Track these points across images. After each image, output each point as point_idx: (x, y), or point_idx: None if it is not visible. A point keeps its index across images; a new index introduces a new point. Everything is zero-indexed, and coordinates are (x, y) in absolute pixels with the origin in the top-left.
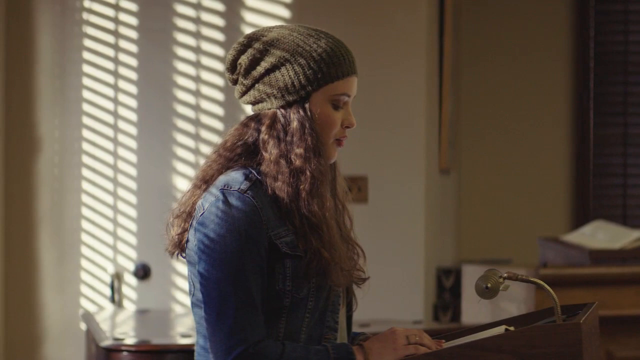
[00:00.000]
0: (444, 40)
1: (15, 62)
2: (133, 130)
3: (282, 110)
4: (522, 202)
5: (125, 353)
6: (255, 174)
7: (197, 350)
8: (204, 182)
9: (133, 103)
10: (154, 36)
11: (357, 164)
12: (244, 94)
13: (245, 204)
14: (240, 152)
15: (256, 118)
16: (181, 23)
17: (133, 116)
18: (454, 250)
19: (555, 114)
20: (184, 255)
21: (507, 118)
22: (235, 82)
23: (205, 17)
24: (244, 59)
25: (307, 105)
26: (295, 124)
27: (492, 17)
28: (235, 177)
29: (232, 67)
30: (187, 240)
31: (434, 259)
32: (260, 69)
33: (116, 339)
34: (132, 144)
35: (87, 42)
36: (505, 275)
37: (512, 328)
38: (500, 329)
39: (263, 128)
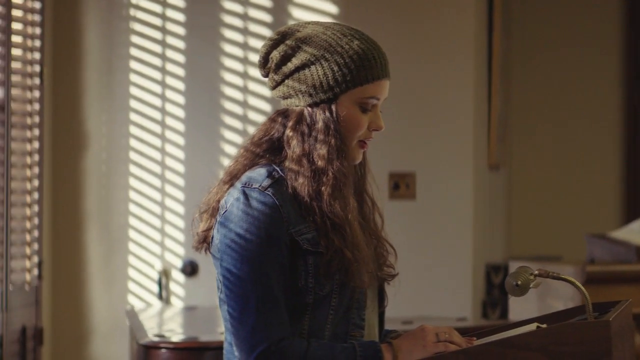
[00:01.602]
0: (493, 36)
1: (62, 58)
2: (180, 126)
3: (309, 109)
4: (573, 199)
5: (164, 350)
6: (279, 171)
7: (225, 347)
8: (231, 178)
9: (180, 99)
10: (201, 32)
11: (405, 161)
12: (274, 88)
13: (266, 201)
14: (266, 148)
15: (284, 113)
16: (228, 19)
17: (180, 112)
18: (504, 246)
19: (607, 110)
20: (210, 251)
21: (557, 114)
22: (266, 76)
23: (253, 13)
24: (275, 54)
25: (334, 107)
26: (320, 123)
27: (543, 13)
28: (257, 174)
29: (264, 61)
30: (213, 237)
31: (482, 255)
32: (291, 65)
33: (157, 336)
34: (180, 140)
35: (134, 39)
36: (536, 272)
37: (544, 325)
38: (532, 327)
39: (289, 124)
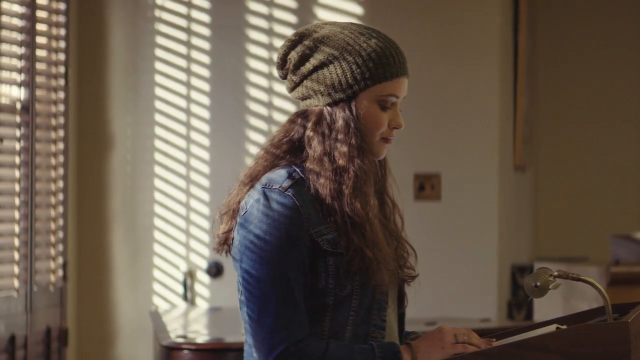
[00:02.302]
0: (519, 37)
1: (87, 59)
2: (205, 127)
3: (329, 108)
4: (600, 199)
5: (186, 352)
6: (299, 172)
7: (245, 348)
8: (251, 179)
9: (205, 100)
10: (226, 33)
11: (431, 162)
12: (292, 89)
13: (286, 202)
14: (287, 149)
15: (303, 114)
16: (253, 20)
17: (205, 113)
18: (530, 247)
19: (634, 111)
20: (230, 253)
21: (584, 115)
22: (285, 77)
23: (278, 14)
24: (293, 55)
25: (353, 105)
26: (340, 122)
27: (569, 13)
28: (278, 175)
29: (282, 62)
30: (233, 239)
31: (508, 256)
32: (309, 65)
33: (180, 337)
34: (205, 141)
35: (160, 40)
36: (555, 273)
37: (564, 327)
38: (552, 328)
39: (309, 125)
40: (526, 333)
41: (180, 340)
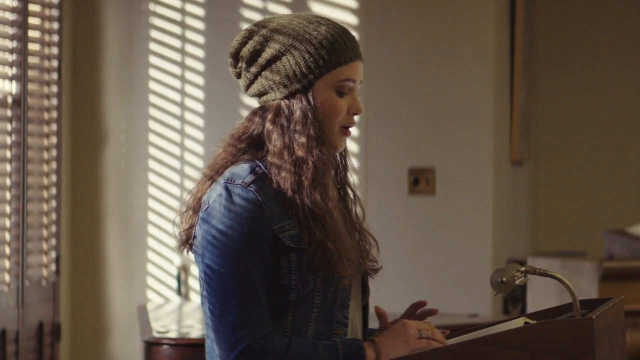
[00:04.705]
0: (515, 31)
1: (81, 53)
2: (200, 121)
3: (286, 101)
4: (599, 194)
5: (165, 347)
6: (262, 167)
7: (207, 343)
8: (213, 174)
9: (200, 94)
10: (220, 27)
11: (425, 156)
12: (248, 86)
13: (248, 198)
14: (247, 145)
15: (261, 110)
16: (248, 14)
17: (200, 107)
18: (528, 242)
19: (633, 105)
20: (192, 249)
21: (583, 109)
22: (238, 75)
23: (272, 7)
24: (245, 52)
25: (310, 94)
26: (298, 113)
27: (569, 8)
28: (241, 170)
29: (235, 60)
30: (195, 236)
31: (503, 251)
32: (261, 60)
33: (160, 332)
34: (199, 135)
35: (154, 33)
36: (523, 269)
37: (533, 322)
38: (520, 322)
39: (268, 119)
40: (492, 328)
41: (160, 335)
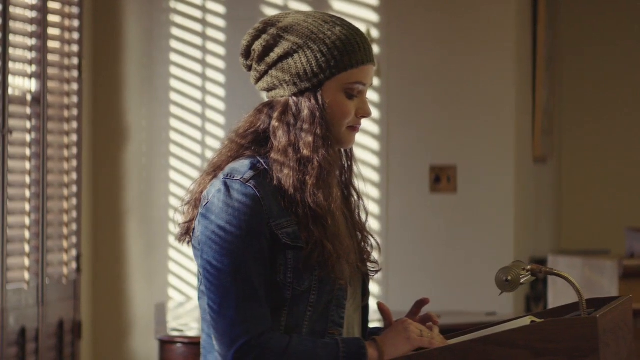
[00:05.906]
0: (538, 27)
1: (102, 51)
2: (221, 119)
3: (295, 98)
4: (624, 192)
5: (179, 345)
6: (263, 164)
7: (203, 338)
8: (214, 169)
9: (221, 92)
10: (241, 24)
11: (446, 154)
12: (258, 80)
13: (247, 193)
14: (252, 140)
15: (269, 105)
16: (269, 11)
17: (221, 105)
18: (551, 240)
19: None
20: (192, 243)
21: (608, 106)
22: (249, 68)
23: (293, 4)
24: (257, 45)
25: (319, 94)
26: (306, 112)
27: (592, 3)
28: (241, 166)
29: (246, 53)
30: (194, 229)
31: (526, 249)
32: (273, 55)
33: (174, 330)
34: (220, 133)
35: (175, 31)
36: (528, 267)
37: (540, 320)
38: (526, 321)
39: (274, 115)
40: (497, 327)
41: (174, 333)
